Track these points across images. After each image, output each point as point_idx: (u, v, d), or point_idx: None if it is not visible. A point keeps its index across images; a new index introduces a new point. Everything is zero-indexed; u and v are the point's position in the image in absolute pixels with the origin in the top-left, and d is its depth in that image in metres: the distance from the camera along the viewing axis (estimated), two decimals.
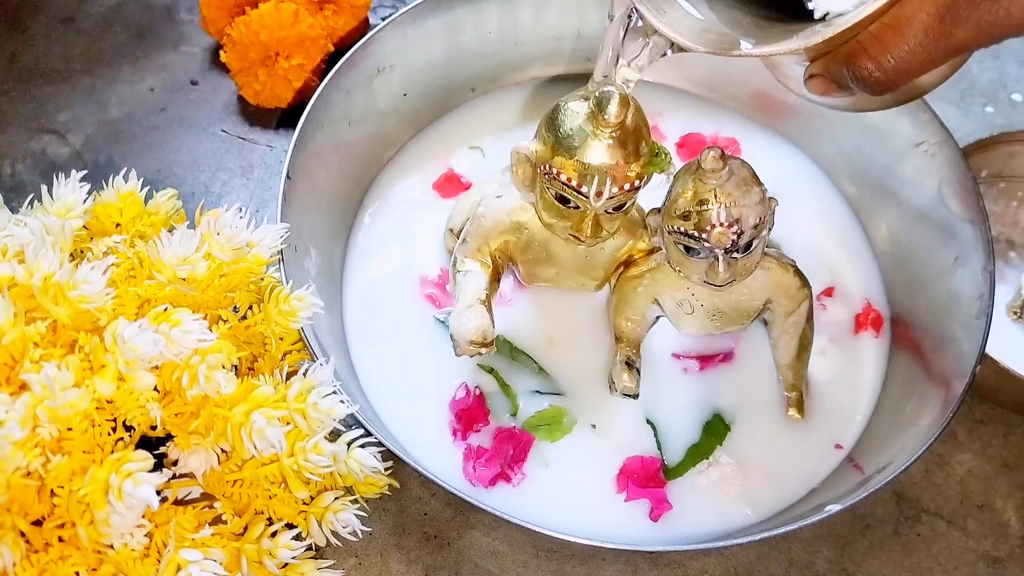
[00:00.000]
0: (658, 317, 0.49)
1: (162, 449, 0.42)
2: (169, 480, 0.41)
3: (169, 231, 0.43)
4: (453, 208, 0.55)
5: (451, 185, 0.59)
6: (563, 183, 0.42)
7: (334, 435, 0.42)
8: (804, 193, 0.60)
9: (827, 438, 0.51)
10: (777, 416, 0.51)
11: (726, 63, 0.61)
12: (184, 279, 0.42)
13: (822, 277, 0.56)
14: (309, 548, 0.44)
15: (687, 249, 0.42)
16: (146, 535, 0.39)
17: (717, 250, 0.41)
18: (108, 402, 0.38)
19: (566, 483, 0.49)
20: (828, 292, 0.56)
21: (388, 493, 0.45)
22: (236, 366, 0.42)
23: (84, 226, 0.46)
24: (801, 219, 0.58)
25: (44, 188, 0.45)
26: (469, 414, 0.50)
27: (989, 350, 0.47)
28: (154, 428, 0.40)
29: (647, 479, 0.49)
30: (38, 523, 0.39)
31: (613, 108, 0.39)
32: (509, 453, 0.49)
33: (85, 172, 0.46)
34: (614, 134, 0.40)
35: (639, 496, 0.49)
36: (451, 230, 0.54)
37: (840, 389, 0.53)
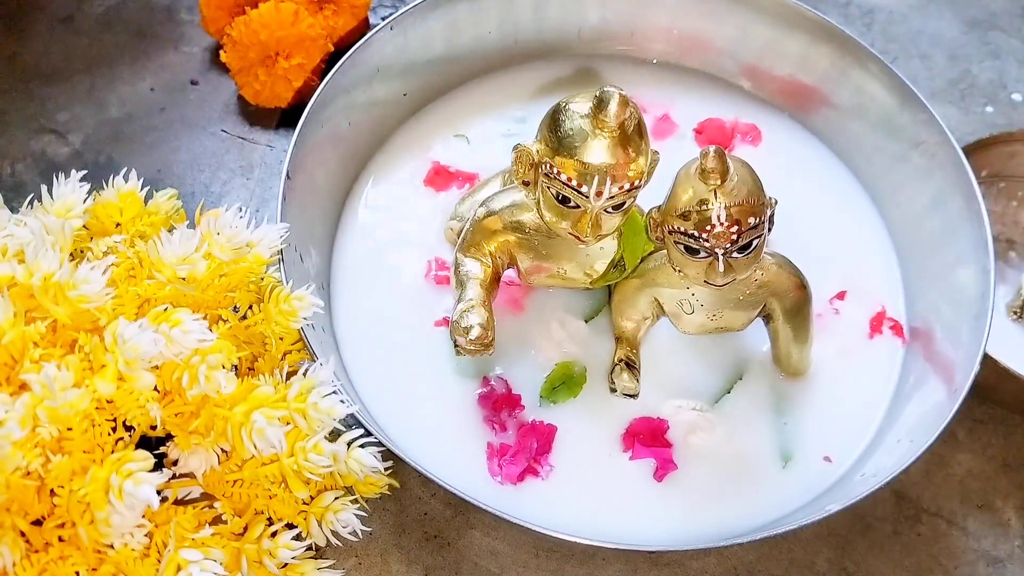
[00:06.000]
0: (659, 317, 0.49)
1: (162, 449, 0.42)
2: (169, 480, 0.41)
3: (169, 231, 0.43)
4: (455, 207, 0.55)
5: (441, 178, 0.58)
6: (563, 182, 0.42)
7: (334, 435, 0.42)
8: (823, 186, 0.59)
9: (837, 442, 0.51)
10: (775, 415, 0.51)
11: (744, 46, 0.60)
12: (184, 279, 0.42)
13: (838, 273, 0.55)
14: (309, 548, 0.44)
15: (687, 249, 0.42)
16: (146, 535, 0.39)
17: (717, 250, 0.41)
18: (108, 402, 0.38)
19: (574, 448, 0.49)
20: (841, 295, 0.55)
21: (388, 493, 0.45)
22: (236, 366, 0.42)
23: (84, 226, 0.46)
24: (818, 212, 0.57)
25: (44, 188, 0.45)
26: (501, 403, 0.50)
27: (989, 350, 0.47)
28: (154, 428, 0.40)
29: (652, 439, 0.49)
30: (38, 523, 0.39)
31: (613, 108, 0.40)
32: (533, 447, 0.49)
33: (85, 172, 0.46)
34: (614, 134, 0.40)
35: (644, 455, 0.49)
36: (452, 228, 0.54)
37: (854, 383, 0.52)
